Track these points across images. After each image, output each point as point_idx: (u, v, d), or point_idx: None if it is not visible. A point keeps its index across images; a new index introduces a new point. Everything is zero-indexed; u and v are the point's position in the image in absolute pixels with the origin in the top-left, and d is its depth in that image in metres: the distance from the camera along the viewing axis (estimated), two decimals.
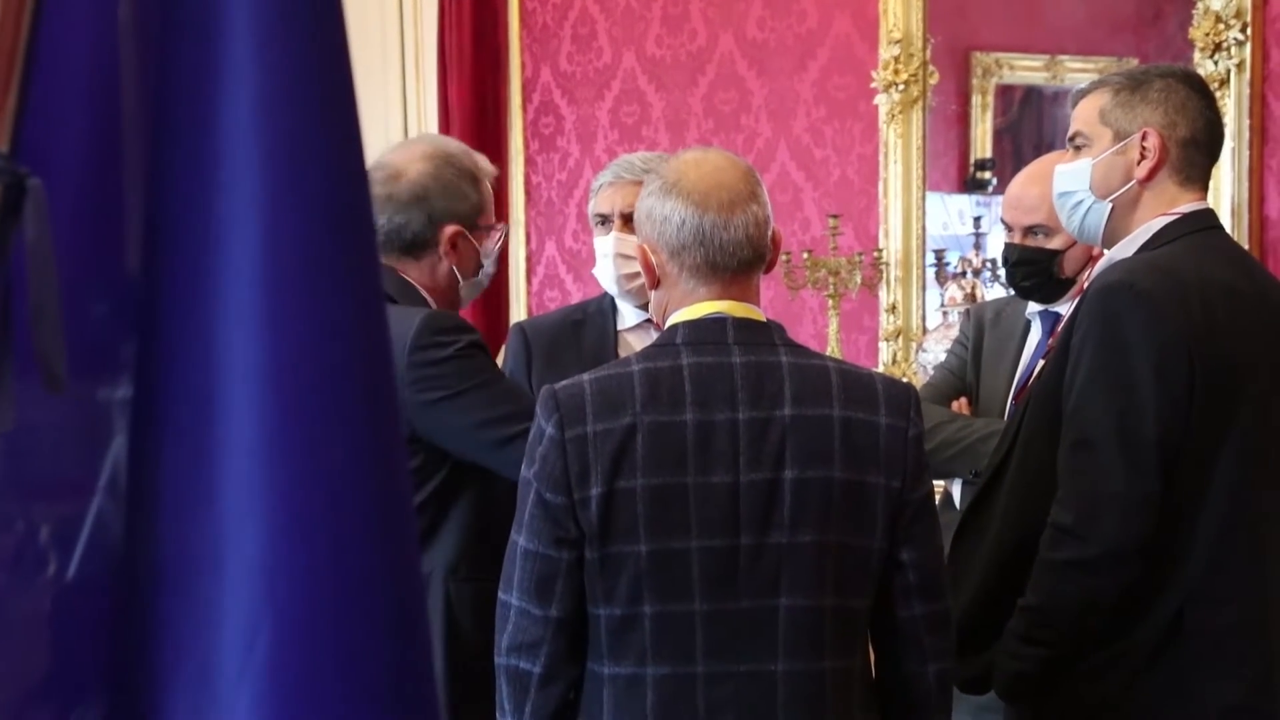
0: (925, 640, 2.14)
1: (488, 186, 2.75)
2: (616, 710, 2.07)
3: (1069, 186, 2.55)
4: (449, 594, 2.54)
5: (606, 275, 3.03)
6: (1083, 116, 2.54)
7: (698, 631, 2.03)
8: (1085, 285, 2.60)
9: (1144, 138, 2.47)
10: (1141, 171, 2.47)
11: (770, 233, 2.15)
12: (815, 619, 2.05)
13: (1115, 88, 2.51)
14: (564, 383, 2.11)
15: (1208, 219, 2.52)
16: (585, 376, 2.11)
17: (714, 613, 2.03)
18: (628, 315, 3.09)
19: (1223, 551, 2.36)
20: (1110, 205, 2.50)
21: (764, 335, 2.11)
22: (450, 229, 2.66)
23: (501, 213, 5.89)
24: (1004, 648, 2.43)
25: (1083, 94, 2.57)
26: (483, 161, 2.77)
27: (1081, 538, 2.32)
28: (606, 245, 3.01)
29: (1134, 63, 4.63)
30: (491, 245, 2.76)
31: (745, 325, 2.11)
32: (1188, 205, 2.49)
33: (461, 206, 2.67)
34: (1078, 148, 2.56)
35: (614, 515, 2.03)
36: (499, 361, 3.12)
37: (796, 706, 2.05)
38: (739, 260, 2.10)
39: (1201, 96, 2.52)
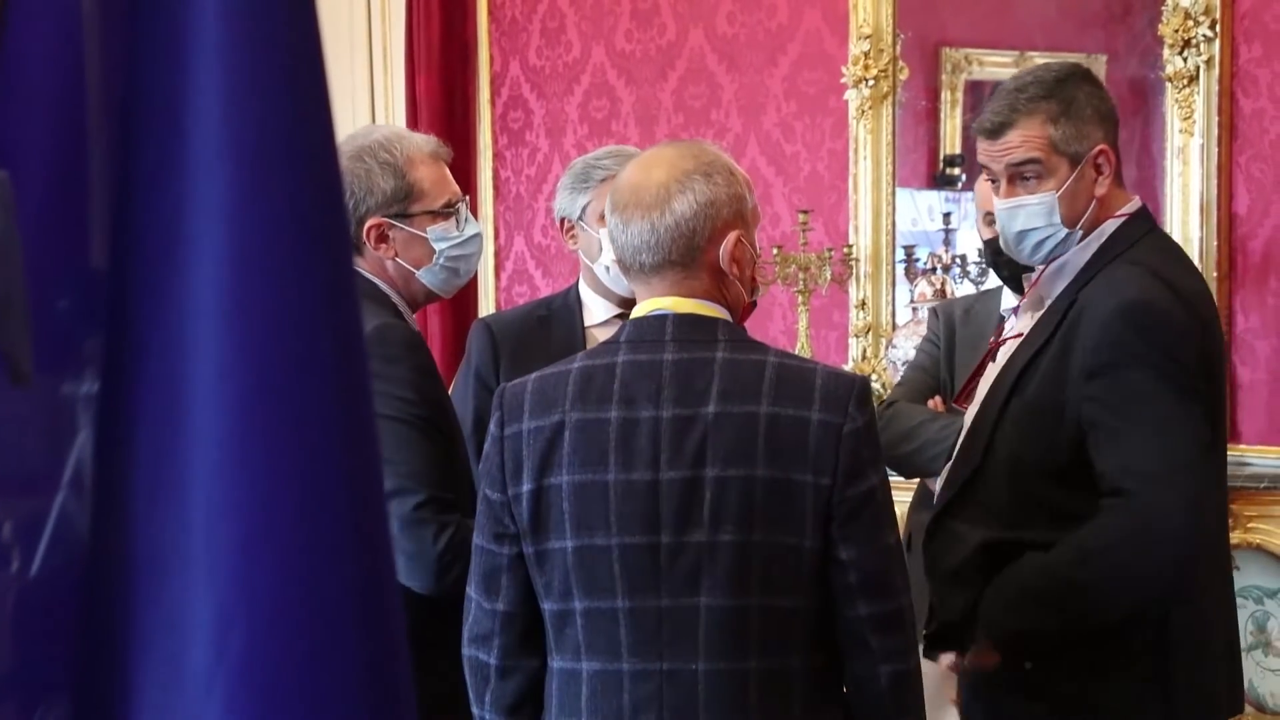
0: (872, 641, 2.06)
1: (421, 171, 2.62)
2: (559, 703, 2.10)
3: (1035, 223, 2.44)
4: None
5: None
6: (1033, 146, 2.42)
7: (621, 628, 2.04)
8: (1034, 284, 2.53)
9: (1099, 155, 2.42)
10: (1101, 188, 2.43)
11: (702, 227, 2.06)
12: (738, 619, 2.02)
13: (1048, 116, 2.41)
14: (515, 380, 2.14)
15: (1149, 218, 2.50)
16: (534, 374, 2.13)
17: (636, 610, 2.03)
18: (595, 311, 3.04)
19: (1209, 553, 2.36)
20: (1080, 230, 2.44)
21: (706, 332, 2.08)
22: (370, 222, 2.58)
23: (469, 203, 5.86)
24: (1015, 606, 2.38)
25: (1008, 124, 2.43)
26: (411, 147, 2.64)
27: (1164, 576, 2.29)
28: None
29: (1103, 59, 4.65)
30: (443, 228, 2.64)
31: (687, 321, 2.08)
32: (1129, 205, 2.46)
33: (373, 199, 2.58)
34: (1026, 178, 2.43)
35: (543, 511, 2.05)
36: (465, 359, 3.09)
37: (718, 706, 2.03)
38: (640, 263, 2.09)
39: (1102, 87, 2.49)
